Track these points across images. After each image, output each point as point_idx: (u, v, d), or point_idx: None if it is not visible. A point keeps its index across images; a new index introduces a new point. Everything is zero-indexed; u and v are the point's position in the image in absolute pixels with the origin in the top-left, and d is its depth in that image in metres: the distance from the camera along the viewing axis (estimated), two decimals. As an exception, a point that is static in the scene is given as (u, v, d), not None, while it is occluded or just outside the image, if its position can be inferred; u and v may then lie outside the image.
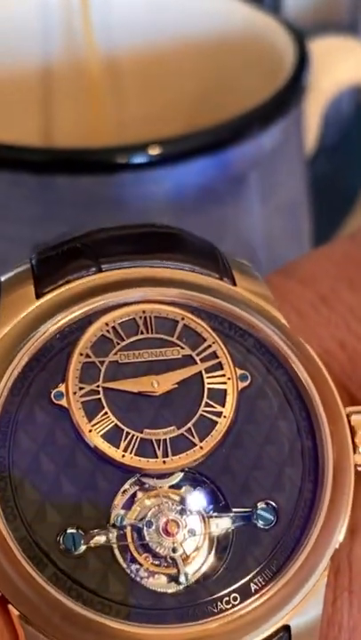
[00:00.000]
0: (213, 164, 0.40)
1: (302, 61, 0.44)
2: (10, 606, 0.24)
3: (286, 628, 0.25)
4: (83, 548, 0.24)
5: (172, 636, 0.24)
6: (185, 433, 0.26)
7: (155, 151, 0.39)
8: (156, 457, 0.25)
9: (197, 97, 0.52)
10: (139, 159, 0.39)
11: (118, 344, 0.26)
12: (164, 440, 0.26)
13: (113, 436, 0.25)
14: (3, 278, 0.27)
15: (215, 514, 0.25)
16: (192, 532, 0.25)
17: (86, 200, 0.40)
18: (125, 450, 0.25)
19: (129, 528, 0.25)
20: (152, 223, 0.30)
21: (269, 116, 0.41)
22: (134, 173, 0.39)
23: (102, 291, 0.27)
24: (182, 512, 0.25)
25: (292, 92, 0.43)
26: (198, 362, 0.27)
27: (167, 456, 0.25)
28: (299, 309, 0.30)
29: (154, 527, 0.25)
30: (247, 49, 0.49)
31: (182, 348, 0.27)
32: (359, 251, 0.32)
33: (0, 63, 0.51)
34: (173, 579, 0.25)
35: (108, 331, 0.27)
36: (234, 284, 0.28)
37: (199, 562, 0.25)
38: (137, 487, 0.25)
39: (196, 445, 0.26)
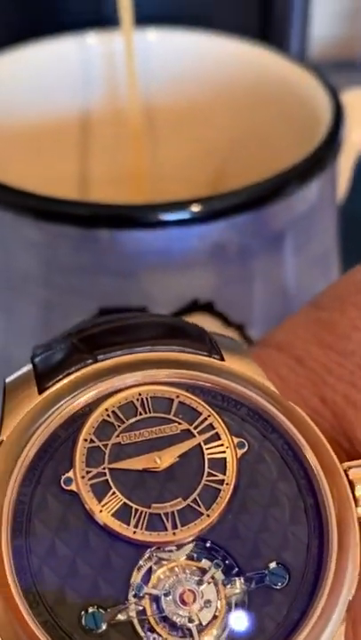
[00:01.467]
0: (253, 221, 0.42)
1: (338, 118, 0.45)
2: None
3: None
4: (104, 625, 0.25)
5: None
6: (191, 504, 0.27)
7: (198, 208, 0.40)
8: (166, 530, 0.27)
9: (229, 146, 0.53)
10: (183, 215, 0.40)
11: (119, 427, 0.28)
12: (172, 513, 0.27)
13: (123, 514, 0.27)
14: (7, 380, 0.29)
15: (229, 579, 0.26)
16: (208, 603, 0.26)
17: (131, 252, 0.41)
18: (136, 526, 0.26)
19: (147, 601, 0.26)
20: (147, 314, 0.33)
21: (307, 174, 0.43)
22: (179, 229, 0.40)
23: (98, 377, 0.29)
24: (198, 582, 0.26)
25: (328, 149, 0.44)
26: (196, 434, 0.28)
27: (176, 527, 0.27)
28: (279, 373, 0.32)
29: (171, 597, 0.26)
30: (281, 101, 0.50)
31: (180, 423, 0.28)
32: (321, 313, 0.34)
33: (40, 109, 0.52)
34: None
35: (108, 415, 0.28)
36: (222, 359, 0.30)
37: (219, 627, 0.26)
38: (151, 562, 0.26)
39: (203, 514, 0.27)
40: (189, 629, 0.26)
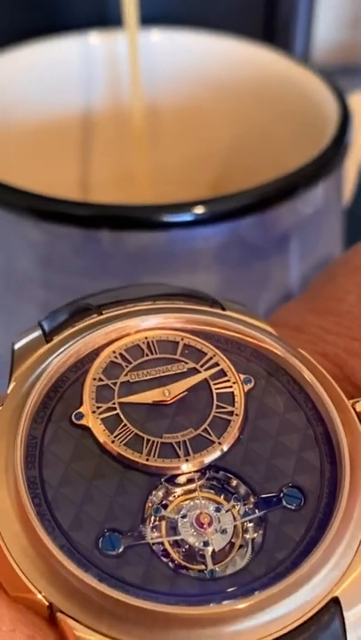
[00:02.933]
0: (258, 223, 0.41)
1: (346, 121, 0.44)
2: (59, 615, 0.24)
3: (336, 601, 0.25)
4: (121, 548, 0.25)
5: (220, 613, 0.24)
6: (202, 433, 0.27)
7: (203, 210, 0.39)
8: (179, 457, 0.27)
9: (233, 148, 0.52)
10: (187, 217, 0.39)
11: (127, 367, 0.29)
12: (184, 441, 0.27)
13: (135, 444, 0.27)
14: (16, 346, 0.29)
15: (245, 505, 0.27)
16: (224, 531, 0.26)
17: (134, 254, 0.40)
18: (148, 454, 0.27)
19: (163, 525, 0.26)
20: (151, 283, 0.34)
21: (314, 177, 0.42)
22: (183, 230, 0.39)
23: (104, 324, 0.29)
24: (216, 509, 0.26)
25: (336, 152, 0.43)
26: (203, 371, 0.29)
27: (189, 455, 0.27)
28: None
29: (187, 520, 0.26)
30: (286, 102, 0.49)
31: (186, 362, 0.29)
32: (313, 291, 0.35)
33: (42, 109, 0.51)
34: (201, 573, 0.26)
35: (115, 357, 0.29)
36: (223, 309, 0.31)
37: (236, 551, 0.26)
38: (165, 489, 0.27)
39: (214, 442, 0.27)
40: (203, 555, 0.26)
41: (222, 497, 0.27)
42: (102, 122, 0.52)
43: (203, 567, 0.26)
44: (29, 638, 0.24)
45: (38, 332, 0.30)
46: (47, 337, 0.29)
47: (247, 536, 0.26)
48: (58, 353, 0.28)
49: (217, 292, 0.41)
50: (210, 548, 0.26)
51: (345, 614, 0.25)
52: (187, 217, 0.39)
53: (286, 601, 0.25)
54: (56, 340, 0.29)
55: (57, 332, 0.29)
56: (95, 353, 0.29)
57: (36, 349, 0.29)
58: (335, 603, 0.25)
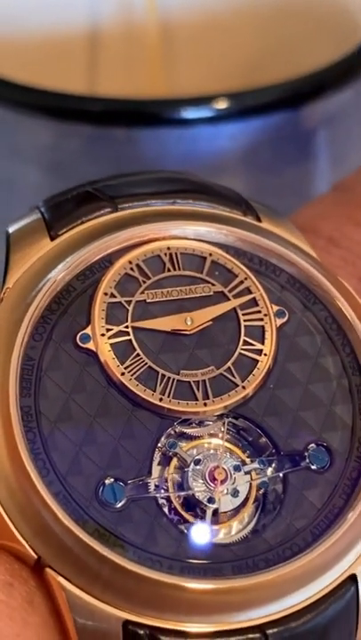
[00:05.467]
0: (289, 120, 0.38)
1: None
2: (48, 570, 0.22)
3: (353, 579, 0.23)
4: (124, 500, 0.23)
5: (229, 588, 0.22)
6: (225, 373, 0.25)
7: (230, 103, 0.36)
8: (196, 399, 0.24)
9: (255, 64, 0.49)
10: (212, 112, 0.36)
11: (144, 282, 0.25)
12: (203, 381, 0.24)
13: (148, 379, 0.24)
14: (11, 230, 0.26)
15: (265, 460, 0.24)
16: (235, 492, 0.24)
17: (151, 155, 0.37)
18: (163, 393, 0.24)
19: (171, 474, 0.23)
20: (167, 170, 0.30)
21: (346, 74, 0.39)
22: (207, 127, 0.36)
23: (120, 227, 0.26)
24: (234, 467, 0.24)
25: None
26: (231, 298, 0.25)
27: (208, 398, 0.24)
28: None
29: (200, 467, 0.23)
30: (313, 9, 0.46)
31: (213, 284, 0.26)
32: (346, 194, 0.32)
33: (46, 25, 0.48)
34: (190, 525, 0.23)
35: (131, 269, 0.25)
36: (259, 220, 0.27)
37: (248, 513, 0.24)
38: (177, 434, 0.24)
39: (238, 386, 0.24)
40: (203, 510, 0.23)
41: (244, 451, 0.24)
42: (113, 40, 0.49)
43: (197, 522, 0.23)
44: (6, 585, 0.22)
45: (37, 216, 0.26)
46: (51, 230, 0.26)
47: (263, 488, 0.24)
48: (64, 257, 0.25)
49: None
50: (213, 506, 0.23)
51: None
52: (212, 111, 0.36)
53: (301, 580, 0.23)
54: (62, 238, 0.26)
55: (62, 224, 0.26)
56: (108, 260, 0.25)
57: (34, 236, 0.26)
58: (352, 579, 0.23)
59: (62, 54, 0.48)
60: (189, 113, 0.36)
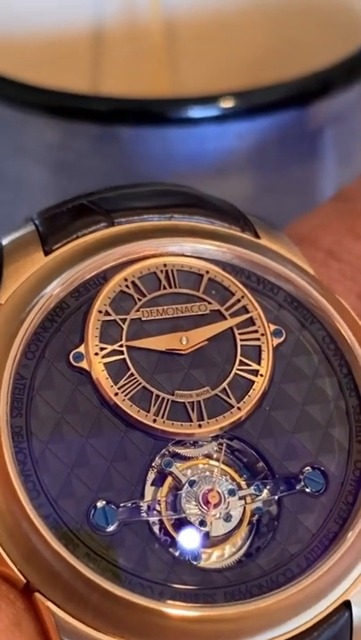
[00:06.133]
0: (296, 119, 0.38)
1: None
2: (37, 595, 0.21)
3: (347, 605, 0.23)
4: (115, 524, 0.22)
5: (221, 616, 0.22)
6: (220, 394, 0.24)
7: (238, 102, 0.36)
8: (191, 421, 0.24)
9: (260, 63, 0.49)
10: (219, 110, 0.36)
11: (140, 300, 0.25)
12: (198, 402, 0.24)
13: (142, 400, 0.24)
14: (4, 242, 0.25)
15: (260, 484, 0.24)
16: (228, 517, 0.23)
17: (157, 154, 0.37)
18: (156, 414, 0.23)
19: (164, 500, 0.23)
20: (165, 182, 0.29)
21: (354, 72, 0.39)
22: (213, 126, 0.36)
23: (116, 243, 0.25)
24: (228, 491, 0.23)
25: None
26: (228, 317, 0.25)
27: (202, 419, 0.24)
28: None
29: (195, 489, 0.23)
30: (318, 5, 0.46)
31: (210, 303, 0.25)
32: (347, 204, 0.31)
33: (49, 23, 0.48)
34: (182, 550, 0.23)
35: (127, 286, 0.25)
36: (257, 237, 0.27)
37: (242, 537, 0.23)
38: (170, 457, 0.23)
39: (233, 407, 0.24)
40: (196, 534, 0.23)
41: (240, 474, 0.24)
42: (117, 39, 0.49)
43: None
44: None
45: (31, 229, 0.26)
46: (45, 244, 0.25)
47: (257, 514, 0.23)
48: (58, 273, 0.24)
49: (251, 198, 0.38)
50: (204, 529, 0.23)
51: (354, 617, 0.23)
52: (216, 110, 0.36)
53: (295, 608, 0.22)
54: (57, 253, 0.25)
55: (56, 239, 0.25)
56: (103, 277, 0.25)
57: (27, 250, 0.25)
58: (346, 605, 0.23)
59: (66, 53, 0.48)
60: (196, 112, 0.35)
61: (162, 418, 0.23)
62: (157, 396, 0.24)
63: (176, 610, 0.21)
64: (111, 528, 0.22)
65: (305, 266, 0.27)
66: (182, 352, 0.24)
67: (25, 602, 0.22)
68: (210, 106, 0.36)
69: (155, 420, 0.23)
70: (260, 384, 0.24)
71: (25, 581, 0.21)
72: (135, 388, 0.24)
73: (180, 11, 0.49)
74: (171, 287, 0.25)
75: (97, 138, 0.36)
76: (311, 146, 0.39)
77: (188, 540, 0.23)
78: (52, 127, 0.37)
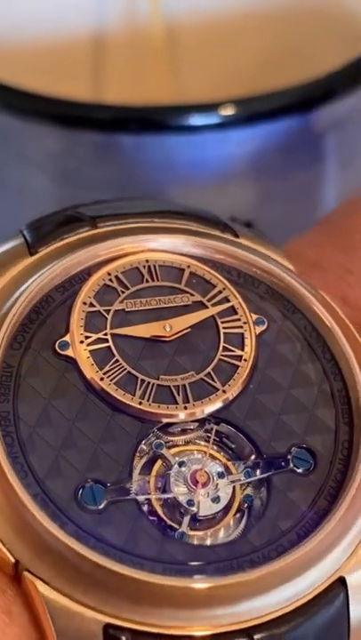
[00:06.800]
0: (297, 125, 0.37)
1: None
2: (26, 574, 0.21)
3: (343, 583, 0.23)
4: (104, 503, 0.22)
5: (212, 587, 0.22)
6: (205, 378, 0.24)
7: (237, 109, 0.36)
8: (177, 403, 0.24)
9: (262, 68, 0.49)
10: (218, 118, 0.36)
11: (123, 292, 0.25)
12: (183, 386, 0.24)
13: (127, 384, 0.24)
14: None
15: (247, 463, 0.24)
16: (216, 499, 0.23)
17: (159, 162, 0.37)
18: (142, 397, 0.24)
19: (153, 479, 0.23)
20: (150, 196, 0.31)
21: (355, 78, 0.39)
22: (214, 133, 0.36)
23: (98, 241, 0.26)
24: (217, 474, 0.23)
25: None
26: (210, 307, 0.26)
27: (188, 402, 0.24)
28: None
29: (184, 469, 0.23)
30: (320, 10, 0.46)
31: (192, 294, 0.26)
32: (330, 225, 0.32)
33: (51, 29, 0.48)
34: (171, 529, 0.23)
35: (110, 280, 0.25)
36: (236, 236, 0.27)
37: (231, 518, 0.23)
38: (157, 438, 0.24)
39: (218, 390, 0.24)
40: (182, 513, 0.23)
41: (228, 459, 0.24)
42: (118, 43, 0.49)
43: (176, 525, 0.23)
44: None
45: (20, 241, 0.26)
46: (31, 249, 0.26)
47: (247, 502, 0.23)
48: (43, 268, 0.25)
49: (253, 205, 0.38)
50: (192, 509, 0.23)
51: (350, 596, 0.22)
52: (217, 118, 0.36)
53: (287, 575, 0.22)
54: (42, 252, 0.26)
55: (42, 244, 0.26)
56: (87, 272, 0.25)
57: (16, 261, 0.26)
58: (341, 582, 0.23)
59: (68, 60, 0.48)
60: (196, 120, 0.35)
61: (147, 400, 0.24)
62: (143, 380, 0.24)
63: (167, 581, 0.21)
64: (99, 507, 0.22)
65: (286, 263, 0.28)
66: (166, 339, 0.25)
67: (15, 589, 0.22)
68: (210, 113, 0.35)
69: (140, 403, 0.24)
70: (244, 369, 0.25)
71: (13, 561, 0.22)
72: (120, 373, 0.24)
73: (181, 16, 0.48)
74: (153, 280, 0.26)
75: (99, 145, 0.36)
76: (313, 152, 0.39)
77: (177, 519, 0.23)
78: (53, 135, 0.37)
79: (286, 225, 0.40)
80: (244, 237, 0.28)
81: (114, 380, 0.24)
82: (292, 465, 0.24)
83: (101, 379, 0.24)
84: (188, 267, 0.26)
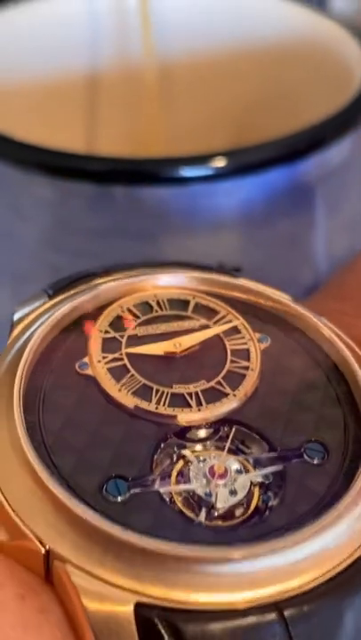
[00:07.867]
0: (285, 176, 0.38)
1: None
2: (57, 563, 0.22)
3: None
4: (127, 495, 0.24)
5: (239, 553, 0.22)
6: (215, 385, 0.26)
7: (225, 162, 0.36)
8: (190, 406, 0.25)
9: (252, 107, 0.49)
10: (208, 171, 0.36)
11: (135, 320, 0.28)
12: (196, 392, 0.26)
13: (143, 394, 0.26)
14: (16, 317, 0.28)
15: (263, 459, 0.25)
16: (233, 492, 0.24)
17: (151, 212, 0.37)
18: (158, 403, 0.25)
19: (173, 474, 0.24)
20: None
21: (343, 127, 0.39)
22: (203, 185, 0.36)
23: (110, 282, 0.28)
24: (236, 470, 0.24)
25: (365, 102, 0.40)
26: (216, 327, 0.28)
27: (201, 405, 0.26)
28: None
29: (203, 465, 0.24)
30: (310, 56, 0.46)
31: (198, 320, 0.28)
32: (332, 283, 0.34)
33: (45, 69, 0.48)
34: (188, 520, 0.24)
35: (122, 311, 0.28)
36: (234, 277, 0.30)
37: (248, 511, 0.24)
38: (176, 441, 0.25)
39: (229, 394, 0.26)
40: (200, 505, 0.24)
41: (246, 460, 0.25)
42: (111, 82, 0.49)
43: (193, 515, 0.24)
44: (18, 597, 0.23)
45: (44, 298, 0.28)
46: (50, 296, 0.28)
47: (263, 495, 0.24)
48: (58, 309, 0.27)
49: (241, 252, 0.39)
50: (210, 500, 0.24)
51: None
52: (208, 170, 0.36)
53: (305, 546, 0.23)
54: (60, 297, 0.28)
55: (60, 291, 0.28)
56: (101, 308, 0.28)
57: (35, 301, 0.28)
58: None
59: (61, 99, 0.49)
60: (187, 172, 0.36)
61: (163, 406, 0.25)
62: (157, 389, 0.26)
63: (192, 553, 0.22)
64: (123, 498, 0.23)
65: (283, 296, 0.29)
66: (177, 355, 0.27)
67: (48, 589, 0.23)
68: (200, 166, 0.36)
69: (157, 407, 0.25)
70: (252, 377, 0.26)
71: (44, 551, 0.22)
72: (136, 385, 0.26)
73: (173, 58, 0.49)
74: (162, 310, 0.28)
75: (92, 196, 0.37)
76: (300, 199, 0.39)
77: (196, 512, 0.24)
78: (46, 185, 0.37)
79: (273, 271, 0.41)
80: (241, 278, 0.30)
81: (131, 391, 0.26)
82: (306, 457, 0.25)
83: (119, 390, 0.26)
84: (194, 298, 0.29)
